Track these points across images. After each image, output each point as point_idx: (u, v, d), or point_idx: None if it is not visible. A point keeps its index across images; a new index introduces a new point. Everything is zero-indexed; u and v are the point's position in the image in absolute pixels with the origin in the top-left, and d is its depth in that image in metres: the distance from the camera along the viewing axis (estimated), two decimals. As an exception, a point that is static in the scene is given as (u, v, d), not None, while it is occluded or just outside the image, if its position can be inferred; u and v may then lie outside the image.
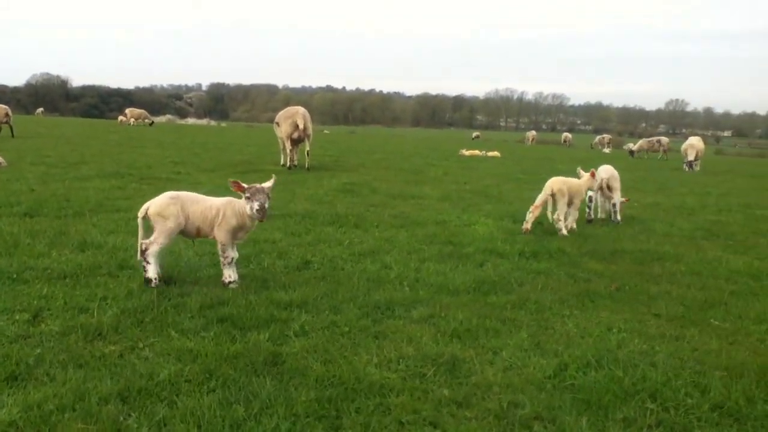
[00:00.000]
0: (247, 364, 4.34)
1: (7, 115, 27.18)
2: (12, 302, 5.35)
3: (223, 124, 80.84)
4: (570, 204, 9.77)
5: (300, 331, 5.04)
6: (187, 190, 6.46)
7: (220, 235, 6.09)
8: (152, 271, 5.94)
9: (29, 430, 3.36)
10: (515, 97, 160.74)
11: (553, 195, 9.57)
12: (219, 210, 6.10)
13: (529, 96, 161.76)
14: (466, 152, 31.11)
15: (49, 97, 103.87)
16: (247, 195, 5.92)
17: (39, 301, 5.39)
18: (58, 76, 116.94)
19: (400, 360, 4.54)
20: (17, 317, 5.03)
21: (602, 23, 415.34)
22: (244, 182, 6.09)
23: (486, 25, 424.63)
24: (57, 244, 7.44)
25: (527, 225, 9.55)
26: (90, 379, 3.99)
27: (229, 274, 6.15)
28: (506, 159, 29.85)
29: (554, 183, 9.65)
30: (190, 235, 6.27)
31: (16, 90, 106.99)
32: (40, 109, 71.84)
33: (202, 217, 6.10)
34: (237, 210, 6.06)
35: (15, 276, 6.07)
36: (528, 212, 9.65)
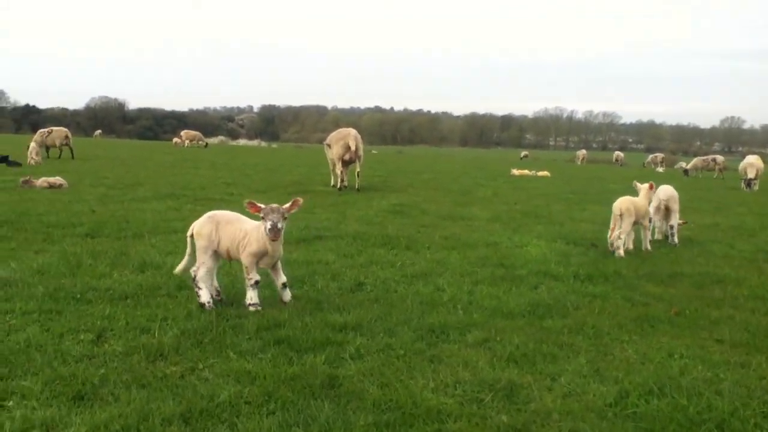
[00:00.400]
0: (305, 387, 4.37)
1: (66, 137, 28.29)
2: (77, 322, 5.53)
3: (274, 145, 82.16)
4: (636, 223, 9.92)
5: (355, 353, 5.06)
6: (239, 212, 6.56)
7: (244, 257, 6.12)
8: (204, 296, 6.06)
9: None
10: (565, 115, 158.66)
11: (621, 215, 9.53)
12: (247, 233, 6.12)
13: (579, 114, 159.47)
14: (516, 172, 30.91)
15: (107, 119, 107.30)
16: (262, 215, 5.90)
17: (102, 322, 5.55)
18: (115, 99, 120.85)
19: (457, 385, 4.51)
20: (82, 337, 5.19)
21: (654, 41, 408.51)
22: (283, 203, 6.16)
23: (535, 45, 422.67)
24: (118, 264, 7.67)
25: (619, 250, 9.52)
26: (153, 400, 4.08)
27: (251, 297, 6.15)
28: (556, 179, 29.49)
29: (622, 203, 9.70)
30: (222, 256, 6.31)
31: (75, 113, 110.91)
32: (98, 131, 74.22)
33: (231, 238, 6.16)
34: (261, 235, 6.02)
35: (79, 296, 6.28)
36: (608, 238, 9.84)
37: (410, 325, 5.78)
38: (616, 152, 64.97)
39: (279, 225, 5.85)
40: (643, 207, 9.95)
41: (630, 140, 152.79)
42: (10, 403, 4.02)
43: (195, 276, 6.08)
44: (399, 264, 8.40)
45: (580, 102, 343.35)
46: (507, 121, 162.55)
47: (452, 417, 4.02)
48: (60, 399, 4.08)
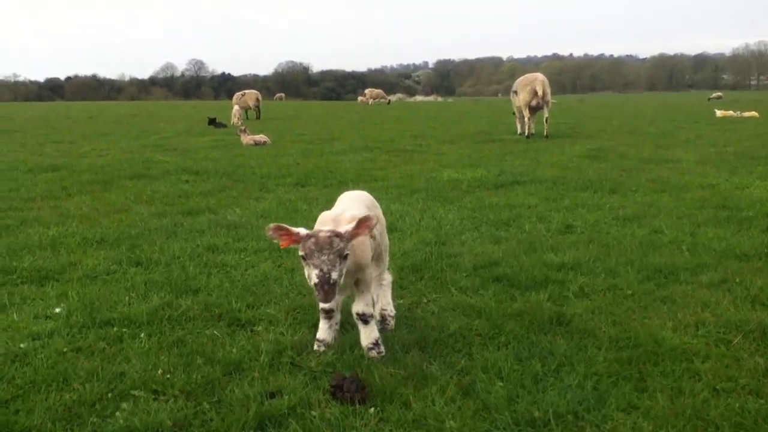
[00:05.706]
0: (532, 322, 4.30)
1: (257, 99, 30.33)
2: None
3: (450, 100, 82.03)
4: None
5: (579, 292, 4.90)
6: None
7: None
8: None
9: (346, 371, 3.62)
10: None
11: None
12: None
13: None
14: (719, 113, 28.27)
15: (293, 83, 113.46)
16: (301, 254, 3.44)
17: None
18: (300, 63, 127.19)
19: (699, 325, 4.20)
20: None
21: None
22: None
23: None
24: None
25: None
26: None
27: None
28: (766, 119, 26.50)
29: None
30: None
31: (265, 78, 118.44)
32: (280, 95, 77.98)
33: None
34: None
35: (301, 237, 6.67)
36: None
37: (633, 266, 5.47)
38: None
39: (332, 275, 3.34)
40: None
41: None
42: (259, 328, 4.36)
43: None
44: (607, 207, 8.01)
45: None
46: (701, 61, 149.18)
47: (700, 357, 3.74)
48: (303, 326, 4.35)
